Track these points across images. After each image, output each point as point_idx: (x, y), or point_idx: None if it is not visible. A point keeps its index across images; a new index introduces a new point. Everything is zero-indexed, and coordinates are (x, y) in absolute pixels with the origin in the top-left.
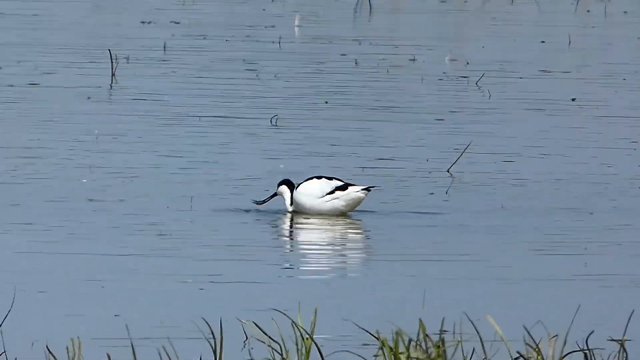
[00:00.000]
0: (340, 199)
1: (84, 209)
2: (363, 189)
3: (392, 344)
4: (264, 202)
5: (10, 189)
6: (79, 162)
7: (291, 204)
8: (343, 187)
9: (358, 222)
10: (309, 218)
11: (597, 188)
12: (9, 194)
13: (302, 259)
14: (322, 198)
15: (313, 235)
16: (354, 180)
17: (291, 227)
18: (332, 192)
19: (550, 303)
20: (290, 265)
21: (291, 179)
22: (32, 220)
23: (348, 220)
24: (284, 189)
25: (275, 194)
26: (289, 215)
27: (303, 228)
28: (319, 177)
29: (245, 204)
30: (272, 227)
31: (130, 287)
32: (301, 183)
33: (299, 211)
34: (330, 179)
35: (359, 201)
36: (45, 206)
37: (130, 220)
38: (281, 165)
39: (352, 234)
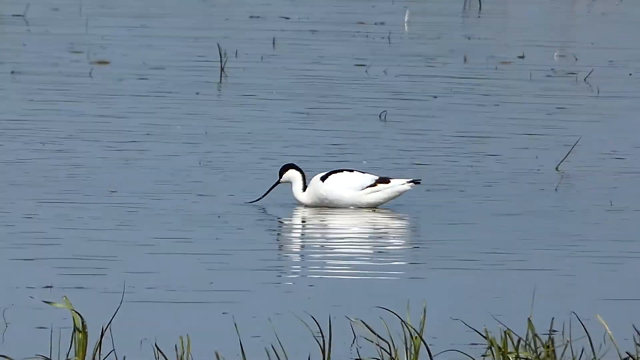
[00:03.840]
0: (383, 192)
1: (192, 205)
2: (409, 182)
3: (500, 344)
4: (262, 197)
5: (117, 183)
6: (187, 158)
7: (303, 190)
8: (385, 180)
9: (464, 218)
10: (380, 211)
11: None
12: (118, 187)
13: (411, 257)
14: (362, 190)
15: (411, 231)
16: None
17: (395, 221)
18: (372, 185)
19: None
20: (397, 262)
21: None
22: (136, 216)
23: (455, 216)
24: (295, 174)
25: (278, 182)
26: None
27: (399, 222)
28: (350, 170)
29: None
30: (374, 222)
31: (238, 284)
32: (328, 175)
33: (319, 203)
34: (355, 172)
35: (401, 194)
36: (148, 201)
37: (239, 217)
38: (364, 162)
39: (462, 231)
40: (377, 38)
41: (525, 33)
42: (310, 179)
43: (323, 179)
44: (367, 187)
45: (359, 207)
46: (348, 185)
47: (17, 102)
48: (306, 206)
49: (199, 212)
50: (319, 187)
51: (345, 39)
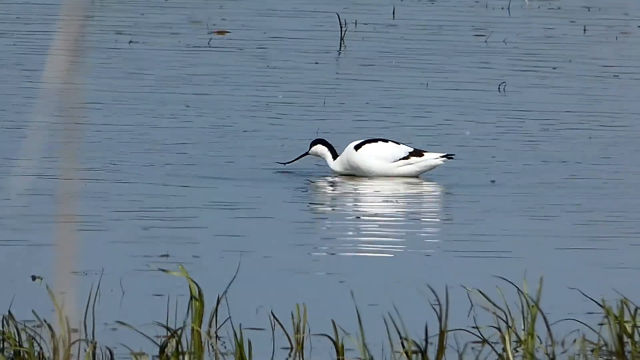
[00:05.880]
0: (416, 165)
1: (304, 175)
2: (442, 156)
3: (617, 313)
4: (291, 161)
5: (234, 154)
6: (305, 127)
7: (334, 159)
8: (419, 153)
9: (581, 188)
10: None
11: None
12: (235, 158)
13: (524, 227)
14: (394, 162)
15: (524, 203)
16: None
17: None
18: (406, 158)
19: None
20: (511, 233)
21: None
22: (249, 187)
23: (572, 186)
24: (323, 148)
25: (306, 153)
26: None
27: (516, 193)
28: (384, 141)
29: (463, 165)
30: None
31: (355, 252)
32: (362, 144)
33: (351, 171)
34: (390, 142)
35: (433, 168)
36: (264, 172)
37: (351, 187)
38: (467, 132)
39: (578, 201)
40: (496, 8)
41: None
42: (343, 150)
43: (357, 147)
44: (399, 159)
45: (388, 177)
46: (380, 156)
47: (134, 72)
48: (340, 174)
49: (317, 183)
50: (352, 155)
51: (465, 9)
